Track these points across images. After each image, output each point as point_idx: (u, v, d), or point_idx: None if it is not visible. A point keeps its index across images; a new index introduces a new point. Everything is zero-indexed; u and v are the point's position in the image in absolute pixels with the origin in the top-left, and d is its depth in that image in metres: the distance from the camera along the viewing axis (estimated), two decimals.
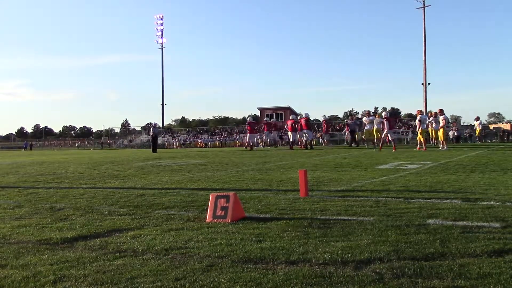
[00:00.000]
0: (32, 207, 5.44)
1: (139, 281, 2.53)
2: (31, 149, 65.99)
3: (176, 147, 50.80)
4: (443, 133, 18.53)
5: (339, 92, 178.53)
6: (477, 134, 30.99)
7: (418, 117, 19.25)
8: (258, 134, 26.46)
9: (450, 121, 20.06)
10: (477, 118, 31.74)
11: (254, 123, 26.13)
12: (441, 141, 18.55)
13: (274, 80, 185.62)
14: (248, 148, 24.96)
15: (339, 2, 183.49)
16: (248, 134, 25.54)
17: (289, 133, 24.37)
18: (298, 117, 25.78)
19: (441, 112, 19.36)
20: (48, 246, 3.43)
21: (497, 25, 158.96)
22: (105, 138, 75.95)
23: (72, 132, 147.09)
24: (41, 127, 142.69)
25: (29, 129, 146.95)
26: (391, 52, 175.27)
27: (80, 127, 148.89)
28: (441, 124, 18.67)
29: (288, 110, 54.41)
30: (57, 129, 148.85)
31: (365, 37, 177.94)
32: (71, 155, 27.02)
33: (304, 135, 23.27)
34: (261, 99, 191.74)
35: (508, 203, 4.71)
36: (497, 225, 3.67)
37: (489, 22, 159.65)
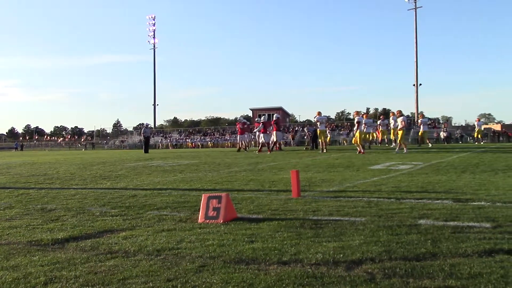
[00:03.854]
0: (23, 208, 5.39)
1: (131, 282, 2.52)
2: (22, 149, 65.32)
3: (168, 148, 50.64)
4: (402, 135, 17.69)
5: (331, 93, 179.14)
6: (476, 135, 29.31)
7: (356, 119, 18.19)
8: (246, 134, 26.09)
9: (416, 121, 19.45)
10: (479, 119, 31.28)
11: (244, 124, 25.82)
12: (399, 143, 17.63)
13: (266, 80, 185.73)
14: (242, 149, 24.75)
15: (332, 3, 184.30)
16: (238, 135, 25.26)
17: (262, 134, 23.41)
18: (261, 118, 24.75)
19: (400, 113, 19.15)
20: (39, 247, 3.41)
21: (488, 26, 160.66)
22: (97, 138, 75.43)
23: (63, 133, 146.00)
24: (32, 127, 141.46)
25: (20, 129, 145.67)
26: (383, 53, 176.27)
27: (71, 128, 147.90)
28: (400, 126, 17.96)
29: (280, 110, 54.38)
30: (48, 129, 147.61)
31: (357, 38, 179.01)
32: (62, 155, 26.80)
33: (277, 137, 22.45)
34: (254, 100, 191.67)
35: (498, 203, 4.75)
36: (487, 225, 3.70)
37: (481, 23, 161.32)
